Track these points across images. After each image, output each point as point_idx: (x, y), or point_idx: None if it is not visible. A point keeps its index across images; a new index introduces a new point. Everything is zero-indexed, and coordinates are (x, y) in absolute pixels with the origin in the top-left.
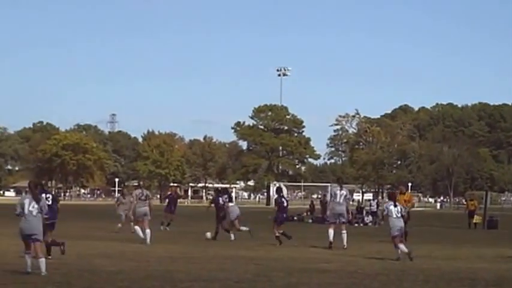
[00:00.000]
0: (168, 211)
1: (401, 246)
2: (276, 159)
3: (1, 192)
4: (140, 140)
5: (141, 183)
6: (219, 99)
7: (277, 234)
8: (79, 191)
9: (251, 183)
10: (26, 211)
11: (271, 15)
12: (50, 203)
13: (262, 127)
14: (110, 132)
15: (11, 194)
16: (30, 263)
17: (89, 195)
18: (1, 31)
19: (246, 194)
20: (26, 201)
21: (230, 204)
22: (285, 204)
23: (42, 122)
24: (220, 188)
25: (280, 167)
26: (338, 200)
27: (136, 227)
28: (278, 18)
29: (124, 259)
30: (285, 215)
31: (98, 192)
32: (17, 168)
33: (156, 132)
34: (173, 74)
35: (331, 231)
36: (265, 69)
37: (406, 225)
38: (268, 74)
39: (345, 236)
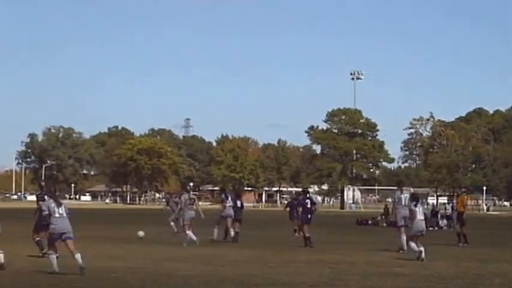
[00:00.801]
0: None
1: (413, 245)
2: (349, 163)
3: (77, 196)
4: (214, 144)
5: (188, 187)
6: (293, 103)
7: (302, 234)
8: (153, 195)
9: (325, 187)
10: (56, 213)
11: (345, 19)
12: None
13: (336, 131)
14: (184, 137)
15: (86, 198)
16: (56, 262)
17: (163, 200)
18: (79, 38)
19: (319, 198)
20: (52, 205)
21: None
22: (309, 205)
23: (117, 127)
24: (298, 191)
25: (354, 171)
26: (403, 203)
27: (189, 232)
28: (352, 21)
29: (199, 263)
30: (309, 216)
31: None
32: (92, 173)
33: (230, 137)
34: (247, 78)
35: (403, 237)
36: (339, 72)
37: (462, 227)
38: (342, 77)
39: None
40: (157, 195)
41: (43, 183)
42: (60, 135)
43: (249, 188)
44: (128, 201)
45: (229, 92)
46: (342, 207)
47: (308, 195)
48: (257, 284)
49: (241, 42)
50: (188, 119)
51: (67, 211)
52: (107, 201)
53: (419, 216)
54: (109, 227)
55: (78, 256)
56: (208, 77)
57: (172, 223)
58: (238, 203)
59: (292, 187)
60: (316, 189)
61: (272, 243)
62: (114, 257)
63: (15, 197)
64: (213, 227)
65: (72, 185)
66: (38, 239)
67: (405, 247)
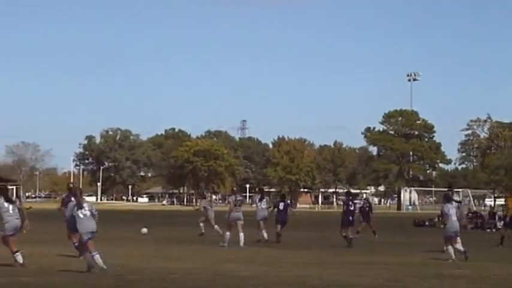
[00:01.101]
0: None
1: (457, 246)
2: (406, 165)
3: (134, 198)
4: (270, 146)
5: (234, 189)
6: (349, 105)
7: (344, 235)
8: (210, 197)
9: (381, 188)
10: (80, 214)
11: (402, 21)
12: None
13: (392, 132)
14: (240, 139)
15: (144, 200)
16: (100, 260)
17: (220, 201)
18: (138, 41)
19: (376, 200)
20: (75, 208)
21: (259, 205)
22: (352, 207)
23: (174, 129)
24: (349, 191)
25: (411, 172)
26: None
27: (228, 233)
28: (409, 23)
29: (256, 264)
30: (350, 218)
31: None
32: (149, 175)
33: (286, 138)
34: (303, 79)
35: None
36: (396, 74)
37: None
38: (398, 78)
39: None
40: (213, 197)
41: (71, 186)
42: (118, 137)
43: (305, 190)
44: (185, 203)
45: (286, 94)
46: (399, 208)
47: (350, 197)
48: (313, 285)
49: (298, 43)
50: (244, 121)
51: (93, 211)
52: (164, 202)
53: (453, 217)
54: (167, 228)
55: (97, 257)
56: (264, 79)
57: (201, 224)
58: (281, 206)
59: (348, 189)
60: (373, 190)
61: (328, 245)
62: (173, 258)
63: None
64: (260, 231)
65: (130, 186)
66: (76, 243)
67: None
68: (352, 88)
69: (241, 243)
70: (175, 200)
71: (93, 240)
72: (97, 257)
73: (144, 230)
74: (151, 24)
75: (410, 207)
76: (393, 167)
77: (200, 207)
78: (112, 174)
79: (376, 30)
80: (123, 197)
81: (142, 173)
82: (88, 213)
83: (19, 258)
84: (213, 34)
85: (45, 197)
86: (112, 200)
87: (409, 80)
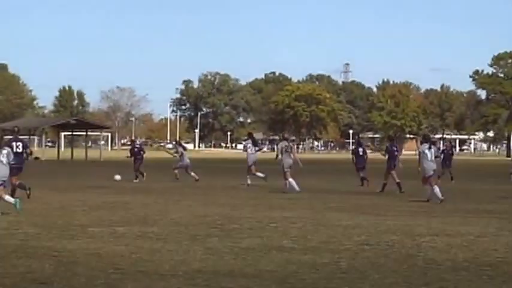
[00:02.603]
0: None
1: (436, 188)
2: None
3: (233, 145)
4: (375, 90)
5: (285, 135)
6: (457, 47)
7: (397, 181)
8: (312, 143)
9: (490, 134)
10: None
11: None
12: (20, 150)
13: (502, 75)
14: (343, 83)
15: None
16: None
17: (322, 148)
18: None
19: (485, 146)
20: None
21: (249, 150)
22: (396, 152)
23: (274, 73)
24: (390, 136)
25: None
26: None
27: (291, 179)
28: None
29: (360, 212)
30: (395, 163)
31: (332, 144)
32: (249, 121)
33: (391, 82)
34: (408, 19)
35: None
36: (505, 14)
37: None
38: (508, 19)
39: None
40: (315, 143)
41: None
42: (216, 81)
43: (411, 136)
44: None
45: (390, 35)
46: (509, 155)
47: (393, 143)
48: (421, 233)
49: None
50: (347, 64)
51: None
52: (265, 149)
53: (430, 157)
54: (269, 177)
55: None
56: (367, 20)
57: (176, 171)
58: (361, 151)
59: (456, 134)
60: (482, 136)
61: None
62: (275, 207)
63: (169, 145)
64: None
65: (229, 133)
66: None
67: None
68: (459, 29)
69: (297, 188)
70: (275, 146)
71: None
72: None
73: (117, 177)
74: None
75: None
76: (503, 112)
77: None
78: (210, 120)
79: None
80: (222, 144)
81: (241, 119)
82: (4, 160)
83: None
84: None
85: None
86: (210, 147)
87: None
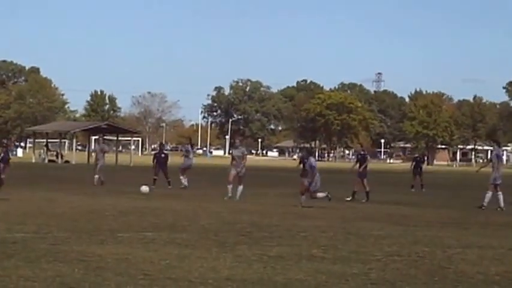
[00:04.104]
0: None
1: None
2: None
3: (264, 152)
4: (407, 99)
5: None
6: (489, 58)
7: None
8: (343, 151)
9: None
10: None
11: None
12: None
13: None
14: (375, 92)
15: (273, 154)
16: None
17: (353, 157)
18: None
19: None
20: None
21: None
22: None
23: (306, 81)
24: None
25: None
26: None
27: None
28: None
29: (391, 223)
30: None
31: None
32: (280, 128)
33: (424, 92)
34: (442, 31)
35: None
36: None
37: None
38: None
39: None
40: (346, 151)
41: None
42: (247, 88)
43: (443, 146)
44: (317, 158)
45: (423, 45)
46: None
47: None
48: (451, 245)
49: None
50: (380, 73)
51: None
52: (295, 157)
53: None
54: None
55: None
56: (401, 30)
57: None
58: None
59: (488, 145)
60: None
61: (467, 205)
62: (304, 216)
63: (200, 151)
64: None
65: (259, 140)
66: None
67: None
68: (492, 40)
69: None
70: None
71: None
72: None
73: (145, 188)
74: None
75: None
76: None
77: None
78: (241, 127)
79: None
80: (252, 151)
81: (272, 126)
82: None
83: None
84: None
85: (171, 150)
86: None
87: None
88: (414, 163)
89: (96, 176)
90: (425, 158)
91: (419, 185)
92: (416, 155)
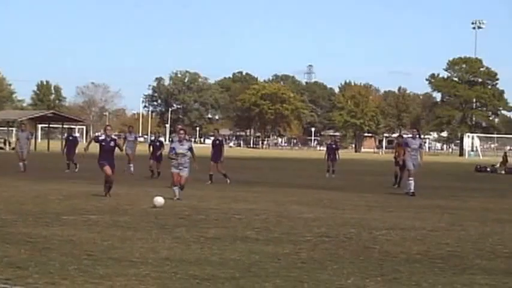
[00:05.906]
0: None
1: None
2: (469, 111)
3: (202, 140)
4: (336, 90)
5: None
6: (414, 51)
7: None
8: (276, 139)
9: (444, 134)
10: None
11: None
12: None
13: (456, 79)
14: (306, 83)
15: (211, 141)
16: None
17: (285, 144)
18: None
19: (439, 145)
20: None
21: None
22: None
23: (241, 72)
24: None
25: (474, 119)
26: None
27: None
28: None
29: (320, 206)
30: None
31: (295, 141)
32: (217, 117)
33: (352, 83)
34: (369, 25)
35: None
36: (460, 21)
37: None
38: (463, 26)
39: None
40: (279, 139)
41: None
42: (186, 79)
43: (369, 134)
44: (251, 145)
45: (352, 39)
46: (461, 154)
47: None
48: (377, 227)
49: None
50: (311, 66)
51: None
52: (231, 144)
53: None
54: (234, 171)
55: None
56: (331, 24)
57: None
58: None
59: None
60: (436, 136)
61: (392, 189)
62: (239, 200)
63: (141, 139)
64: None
65: (197, 128)
66: None
67: None
68: (417, 35)
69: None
70: (241, 142)
71: None
72: None
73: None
74: None
75: (472, 153)
76: (456, 114)
77: None
78: (180, 116)
79: None
80: (191, 139)
81: (209, 115)
82: None
83: None
84: None
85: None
86: None
87: (474, 28)
88: (328, 150)
89: (21, 164)
90: (337, 145)
91: (332, 170)
92: (329, 142)
